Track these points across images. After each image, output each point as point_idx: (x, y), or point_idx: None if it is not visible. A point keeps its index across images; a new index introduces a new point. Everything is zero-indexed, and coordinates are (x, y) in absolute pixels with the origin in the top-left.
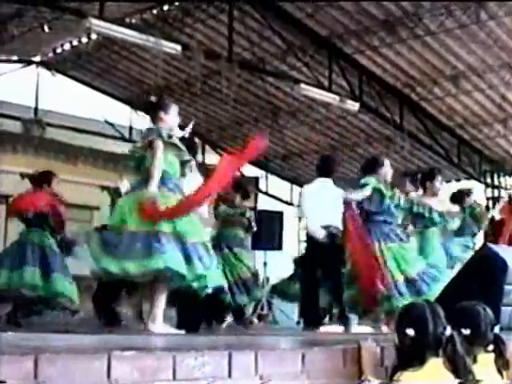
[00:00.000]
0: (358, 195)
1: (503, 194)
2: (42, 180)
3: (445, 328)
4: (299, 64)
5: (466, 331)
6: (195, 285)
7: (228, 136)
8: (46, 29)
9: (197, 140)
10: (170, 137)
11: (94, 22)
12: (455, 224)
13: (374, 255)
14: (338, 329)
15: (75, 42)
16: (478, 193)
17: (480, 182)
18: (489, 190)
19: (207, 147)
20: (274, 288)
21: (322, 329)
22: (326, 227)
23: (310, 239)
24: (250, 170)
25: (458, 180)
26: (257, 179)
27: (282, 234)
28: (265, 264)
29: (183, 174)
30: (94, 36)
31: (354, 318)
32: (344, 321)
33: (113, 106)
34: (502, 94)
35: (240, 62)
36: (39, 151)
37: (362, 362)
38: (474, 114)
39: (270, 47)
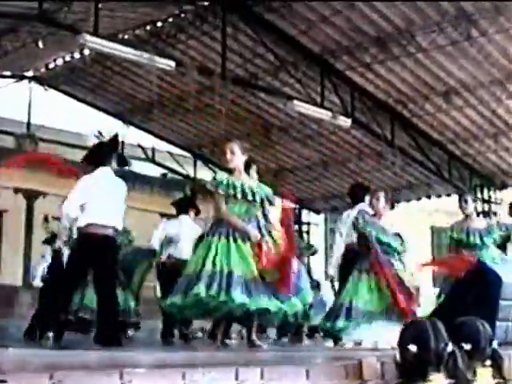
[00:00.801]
0: None
1: (493, 208)
2: None
3: (446, 344)
4: (292, 80)
5: (467, 346)
6: None
7: (219, 151)
8: (41, 44)
9: None
10: None
11: (89, 38)
12: None
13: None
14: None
15: (68, 58)
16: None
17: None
18: (479, 204)
19: (199, 162)
20: None
21: None
22: None
23: None
24: None
25: (449, 195)
26: None
27: None
28: None
29: None
30: (86, 52)
31: None
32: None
33: (105, 120)
34: (492, 109)
35: (233, 78)
36: (32, 166)
37: (364, 376)
38: (464, 130)
39: (263, 63)
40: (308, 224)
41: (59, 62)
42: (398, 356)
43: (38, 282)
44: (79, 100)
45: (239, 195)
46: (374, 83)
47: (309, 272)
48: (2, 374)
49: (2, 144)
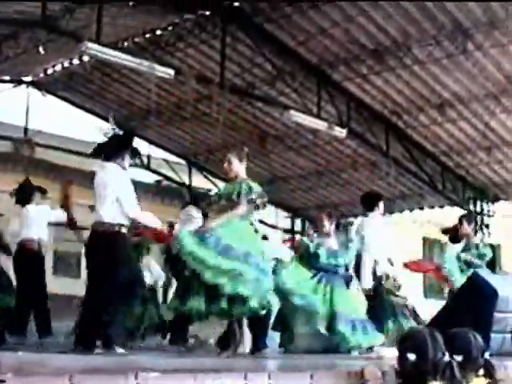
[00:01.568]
0: None
1: (486, 220)
2: None
3: (444, 354)
4: (288, 90)
5: (458, 358)
6: None
7: (215, 159)
8: (41, 50)
9: None
10: None
11: (90, 45)
12: None
13: None
14: None
15: (67, 64)
16: None
17: (463, 208)
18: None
19: (194, 170)
20: None
21: None
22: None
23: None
24: None
25: (442, 206)
26: None
27: None
28: None
29: None
30: (86, 58)
31: None
32: None
33: (102, 127)
34: (486, 122)
35: (231, 87)
36: (29, 171)
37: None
38: (458, 142)
39: (261, 73)
40: (302, 233)
41: (58, 67)
42: (397, 364)
43: None
44: (77, 106)
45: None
46: (370, 94)
47: None
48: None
49: None
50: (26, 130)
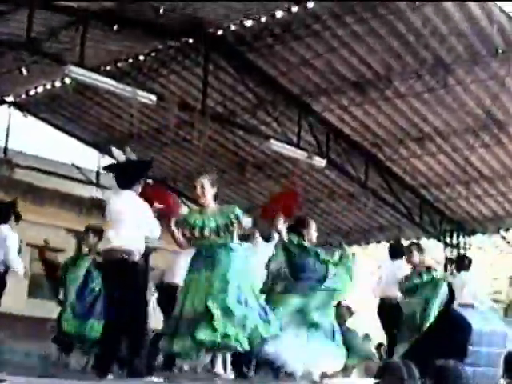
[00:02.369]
0: None
1: (462, 253)
2: None
3: None
4: (269, 119)
5: None
6: None
7: (194, 186)
8: (25, 72)
9: None
10: None
11: (73, 68)
12: None
13: None
14: None
15: (49, 86)
16: (438, 252)
17: (440, 241)
18: (448, 249)
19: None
20: None
21: None
22: None
23: None
24: None
25: (418, 238)
26: None
27: None
28: None
29: None
30: (68, 81)
31: None
32: None
33: (81, 150)
34: (465, 156)
35: (212, 114)
36: (7, 191)
37: None
38: (437, 176)
39: (242, 101)
40: None
41: (40, 89)
42: None
43: None
44: (58, 128)
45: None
46: (351, 125)
47: None
48: None
49: None
50: (5, 150)
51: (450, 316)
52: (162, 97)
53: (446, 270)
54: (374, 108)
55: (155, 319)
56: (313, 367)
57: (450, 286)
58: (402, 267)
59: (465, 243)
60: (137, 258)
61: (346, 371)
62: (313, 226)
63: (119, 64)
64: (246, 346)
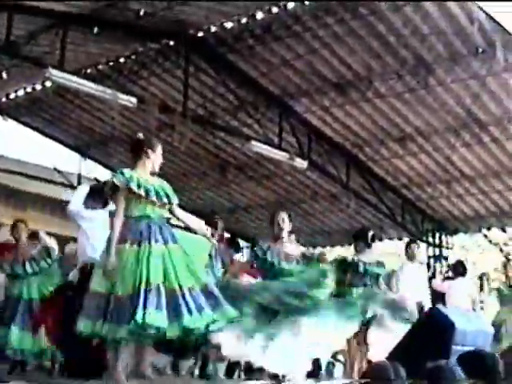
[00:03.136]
0: None
1: (445, 252)
2: None
3: None
4: (250, 120)
5: None
6: None
7: (175, 188)
8: (5, 75)
9: None
10: None
11: (54, 71)
12: None
13: None
14: None
15: (29, 89)
16: (420, 251)
17: (422, 240)
18: (430, 248)
19: None
20: None
21: None
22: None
23: None
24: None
25: (400, 238)
26: None
27: None
28: None
29: None
30: (48, 84)
31: None
32: None
33: (63, 153)
34: (446, 156)
35: (193, 116)
36: None
37: None
38: (418, 175)
39: (223, 103)
40: None
41: (20, 92)
42: None
43: None
44: (38, 131)
45: (154, 198)
46: (332, 126)
47: None
48: None
49: None
50: None
51: (433, 315)
52: (142, 99)
53: (428, 268)
54: (355, 109)
55: None
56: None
57: None
58: None
59: (447, 242)
60: None
61: None
62: None
63: (100, 67)
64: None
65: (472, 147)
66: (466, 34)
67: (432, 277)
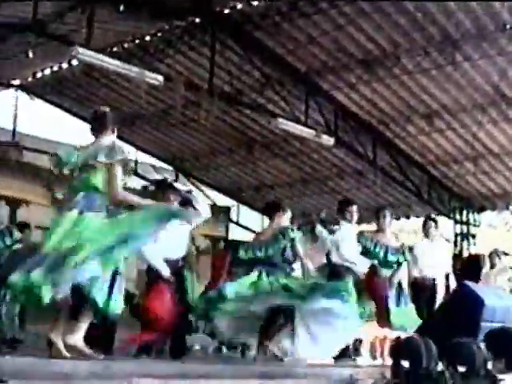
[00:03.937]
0: None
1: (472, 230)
2: None
3: (436, 363)
4: (277, 98)
5: (462, 368)
6: None
7: (201, 165)
8: (31, 54)
9: None
10: None
11: (81, 50)
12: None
13: None
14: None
15: (56, 68)
16: (447, 228)
17: (449, 218)
18: (457, 226)
19: (180, 175)
20: None
21: None
22: None
23: None
24: (222, 200)
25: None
26: (228, 209)
27: None
28: None
29: None
30: (75, 62)
31: None
32: None
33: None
34: (473, 133)
35: (219, 93)
36: (16, 174)
37: None
38: (445, 152)
39: (249, 80)
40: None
41: (47, 71)
42: (388, 372)
43: None
44: (65, 110)
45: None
46: (358, 103)
47: None
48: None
49: None
50: (13, 133)
51: (462, 292)
52: (168, 77)
53: (455, 246)
54: (382, 85)
55: None
56: None
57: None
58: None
59: (474, 220)
60: None
61: None
62: None
63: (126, 45)
64: None
65: (499, 124)
66: (493, 10)
67: (459, 254)
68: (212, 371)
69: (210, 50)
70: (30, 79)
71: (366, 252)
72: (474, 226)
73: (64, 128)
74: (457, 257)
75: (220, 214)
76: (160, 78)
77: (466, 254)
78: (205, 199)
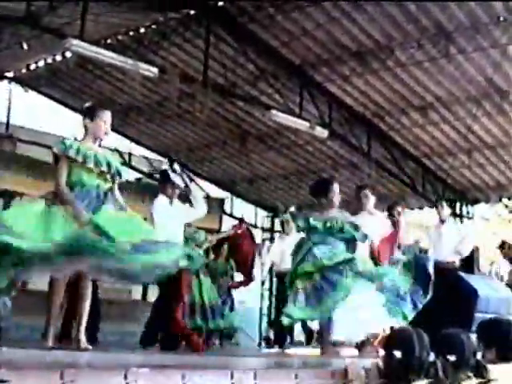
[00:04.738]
0: None
1: (466, 222)
2: None
3: (428, 353)
4: (271, 90)
5: (452, 358)
6: None
7: (196, 158)
8: (25, 46)
9: None
10: None
11: (74, 42)
12: None
13: None
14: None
15: (50, 60)
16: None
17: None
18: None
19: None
20: None
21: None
22: None
23: None
24: (215, 192)
25: (421, 208)
26: (222, 201)
27: None
28: None
29: None
30: (68, 54)
31: None
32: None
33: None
34: (468, 125)
35: (213, 86)
36: (10, 166)
37: (348, 381)
38: (439, 145)
39: (243, 72)
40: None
41: (41, 63)
42: (381, 362)
43: None
44: (59, 102)
45: (91, 164)
46: (352, 96)
47: None
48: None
49: None
50: (7, 125)
51: (455, 283)
52: (163, 69)
53: None
54: (376, 78)
55: None
56: None
57: None
58: None
59: (468, 212)
60: None
61: None
62: None
63: (120, 37)
64: None
65: (493, 116)
66: (487, 3)
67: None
68: (208, 361)
69: (205, 43)
70: (23, 71)
71: None
72: (468, 218)
73: (58, 120)
74: None
75: (214, 205)
76: (154, 70)
77: None
78: (199, 191)
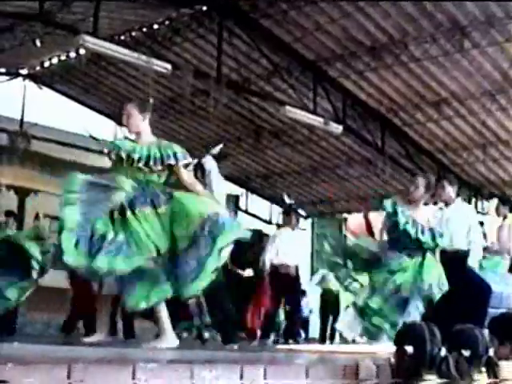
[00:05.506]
0: None
1: (480, 217)
2: None
3: (440, 349)
4: (285, 86)
5: (466, 353)
6: None
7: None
8: (38, 43)
9: None
10: None
11: (88, 38)
12: None
13: None
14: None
15: (63, 57)
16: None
17: None
18: None
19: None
20: None
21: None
22: None
23: None
24: (230, 188)
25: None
26: (237, 197)
27: None
28: None
29: None
30: (82, 51)
31: None
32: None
33: (98, 120)
34: (482, 120)
35: (227, 82)
36: (24, 163)
37: (360, 376)
38: (454, 140)
39: (257, 68)
40: None
41: (54, 60)
42: (392, 357)
43: None
44: (73, 99)
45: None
46: (366, 91)
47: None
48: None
49: None
50: (21, 122)
51: (469, 278)
52: (176, 65)
53: None
54: (390, 73)
55: None
56: None
57: None
58: None
59: (483, 208)
60: None
61: None
62: None
63: (133, 33)
64: None
65: (508, 111)
66: None
67: None
68: (217, 357)
69: (218, 39)
70: (37, 68)
71: None
72: (483, 214)
73: (72, 117)
74: None
75: (229, 202)
76: (168, 66)
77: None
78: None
